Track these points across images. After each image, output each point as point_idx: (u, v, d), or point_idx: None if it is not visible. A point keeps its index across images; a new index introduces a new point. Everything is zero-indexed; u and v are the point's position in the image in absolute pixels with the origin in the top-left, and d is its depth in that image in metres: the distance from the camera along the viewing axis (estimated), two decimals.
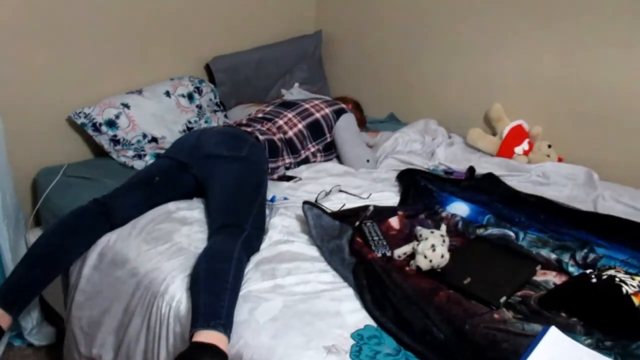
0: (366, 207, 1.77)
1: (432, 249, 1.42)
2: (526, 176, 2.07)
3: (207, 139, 1.87)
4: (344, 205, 1.79)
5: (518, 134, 2.25)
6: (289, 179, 2.03)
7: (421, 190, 1.92)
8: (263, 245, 1.56)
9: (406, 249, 1.50)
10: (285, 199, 1.86)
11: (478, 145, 2.31)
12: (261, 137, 1.96)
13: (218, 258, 1.37)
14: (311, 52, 2.82)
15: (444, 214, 1.75)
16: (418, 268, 1.43)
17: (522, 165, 2.12)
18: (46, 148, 2.00)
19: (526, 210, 1.80)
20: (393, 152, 2.28)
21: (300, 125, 2.14)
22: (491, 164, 2.17)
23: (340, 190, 1.93)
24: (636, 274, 1.35)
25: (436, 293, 1.33)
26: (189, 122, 2.27)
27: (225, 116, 2.45)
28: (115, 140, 2.06)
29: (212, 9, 2.45)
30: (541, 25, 2.15)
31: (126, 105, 2.09)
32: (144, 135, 2.11)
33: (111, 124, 2.04)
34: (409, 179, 1.99)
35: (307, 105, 2.22)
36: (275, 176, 2.03)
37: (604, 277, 1.33)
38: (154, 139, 2.12)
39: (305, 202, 1.65)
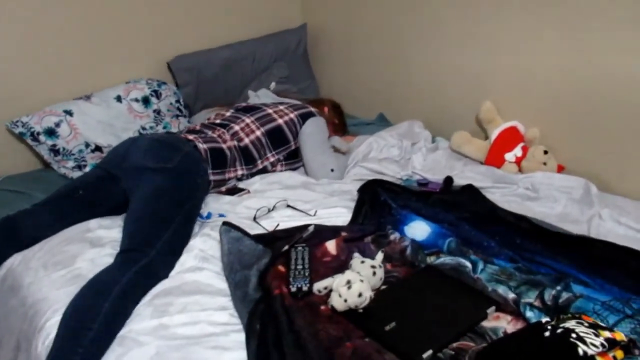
0: (305, 227, 1.55)
1: (348, 285, 1.18)
2: (513, 189, 1.77)
3: (136, 148, 1.72)
4: (277, 225, 1.58)
5: (510, 138, 1.94)
6: (238, 191, 1.84)
7: (378, 206, 1.67)
8: (172, 273, 1.38)
9: (327, 282, 1.27)
10: (221, 215, 1.67)
11: (463, 150, 2.02)
12: (203, 146, 1.78)
13: (94, 292, 1.21)
14: (293, 48, 2.61)
15: (392, 237, 1.50)
16: (333, 308, 1.20)
17: (510, 176, 1.82)
18: None
19: (501, 232, 1.52)
20: (365, 159, 2.03)
21: (258, 132, 1.94)
22: (476, 174, 1.88)
23: (288, 206, 1.72)
24: (605, 328, 1.05)
25: (342, 344, 1.10)
26: (143, 129, 2.13)
27: (189, 122, 2.29)
28: (54, 150, 1.94)
29: (179, 2, 2.30)
30: (540, 9, 1.83)
31: (69, 113, 1.97)
32: (87, 144, 1.99)
33: (50, 132, 1.93)
34: (370, 192, 1.74)
35: (269, 110, 2.02)
36: (223, 189, 1.85)
37: (560, 330, 1.05)
38: (98, 148, 1.99)
39: (224, 223, 1.45)
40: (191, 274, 1.36)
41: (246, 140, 1.93)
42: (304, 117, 2.04)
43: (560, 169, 1.88)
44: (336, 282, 1.20)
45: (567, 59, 1.80)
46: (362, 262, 1.30)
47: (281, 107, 2.05)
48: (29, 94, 1.98)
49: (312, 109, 2.08)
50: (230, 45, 2.45)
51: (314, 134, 2.03)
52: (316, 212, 1.67)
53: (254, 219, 1.64)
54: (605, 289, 1.27)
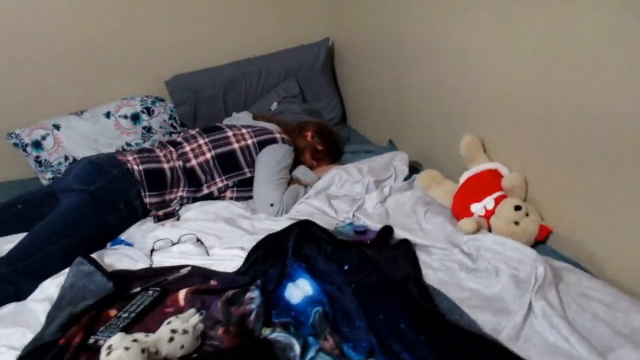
0: (178, 269, 1.43)
1: (108, 351, 1.04)
2: (454, 252, 1.39)
3: (72, 169, 1.80)
4: (151, 264, 1.48)
5: (482, 185, 1.54)
6: (169, 217, 1.78)
7: (276, 255, 1.45)
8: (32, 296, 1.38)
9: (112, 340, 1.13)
10: (128, 244, 1.63)
11: (430, 194, 1.67)
12: (138, 168, 1.77)
13: None
14: (309, 65, 2.46)
15: (247, 296, 1.29)
16: None
17: (457, 235, 1.43)
18: None
19: (391, 311, 1.21)
20: (319, 194, 1.80)
21: (208, 155, 1.87)
22: (433, 225, 1.53)
23: (198, 240, 1.61)
24: None
25: None
26: (128, 145, 2.20)
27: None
28: (39, 162, 2.12)
29: (191, 19, 2.34)
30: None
31: (57, 127, 2.14)
32: (66, 158, 2.13)
33: (37, 145, 2.11)
34: (276, 237, 1.53)
35: (229, 134, 1.92)
36: (160, 213, 1.80)
37: None
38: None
39: (80, 257, 1.40)
40: (36, 304, 1.34)
41: (193, 162, 1.86)
42: (262, 144, 1.90)
43: (545, 233, 1.43)
44: (107, 343, 1.07)
45: (579, 93, 1.34)
46: (169, 323, 1.14)
47: (243, 131, 1.94)
48: (33, 107, 2.20)
49: (277, 136, 1.92)
50: (237, 63, 2.40)
51: (266, 163, 1.87)
52: (209, 252, 1.54)
53: (152, 251, 1.57)
54: None
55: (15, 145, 2.12)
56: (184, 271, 1.43)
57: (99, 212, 1.65)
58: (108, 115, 2.20)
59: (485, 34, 1.54)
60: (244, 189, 1.89)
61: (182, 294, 1.32)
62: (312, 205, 1.74)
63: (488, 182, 1.53)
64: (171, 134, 2.31)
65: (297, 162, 2.03)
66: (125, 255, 1.55)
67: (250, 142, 1.90)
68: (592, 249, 1.34)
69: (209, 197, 1.88)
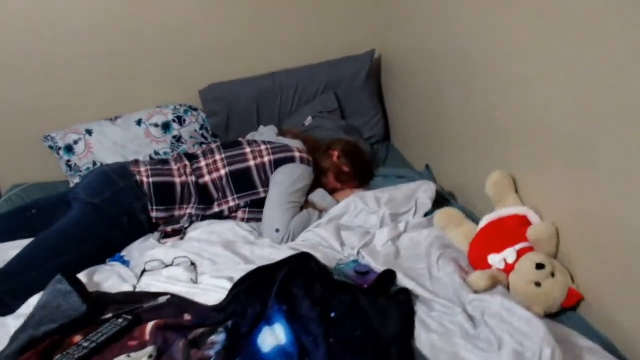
0: (156, 296, 1.36)
1: None
2: (454, 311, 1.20)
3: (86, 177, 1.79)
4: (135, 287, 1.41)
5: (504, 232, 1.32)
6: (174, 235, 1.73)
7: (260, 291, 1.33)
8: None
9: None
10: (125, 262, 1.59)
11: (447, 235, 1.46)
12: (148, 180, 1.73)
13: None
14: (350, 78, 2.31)
15: (210, 339, 1.18)
16: None
17: (462, 290, 1.23)
18: (28, 165, 2.26)
19: None
20: (331, 222, 1.66)
21: (222, 172, 1.79)
22: (444, 274, 1.34)
23: (192, 264, 1.53)
24: None
25: None
26: (156, 153, 2.18)
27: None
28: (69, 166, 2.15)
29: (231, 26, 2.28)
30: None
31: (89, 132, 2.16)
32: (94, 163, 2.14)
33: (69, 149, 2.14)
34: (274, 269, 1.41)
35: (247, 150, 1.84)
36: (169, 229, 1.75)
37: None
38: None
39: (60, 274, 1.36)
40: (13, 321, 1.32)
41: (207, 178, 1.79)
42: (278, 163, 1.79)
43: (574, 299, 1.19)
44: None
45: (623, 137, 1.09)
46: None
47: (262, 148, 1.84)
48: (70, 111, 2.23)
49: (296, 154, 1.80)
50: (273, 74, 2.30)
51: (279, 183, 1.76)
52: (198, 279, 1.45)
53: (143, 271, 1.51)
54: None
55: (51, 147, 2.18)
56: (162, 299, 1.35)
57: (100, 227, 1.63)
58: (139, 122, 2.20)
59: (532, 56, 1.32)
60: (257, 209, 1.79)
61: (149, 327, 1.25)
62: (319, 235, 1.60)
63: (512, 230, 1.31)
64: (201, 144, 2.26)
65: (318, 183, 1.90)
66: (116, 274, 1.51)
67: (266, 159, 1.80)
68: (629, 326, 1.09)
69: (219, 215, 1.80)
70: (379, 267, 1.41)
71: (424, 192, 1.67)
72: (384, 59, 2.42)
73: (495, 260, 1.29)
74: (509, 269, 1.27)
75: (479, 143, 1.62)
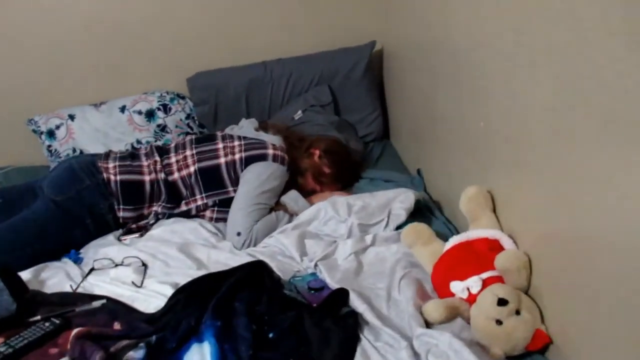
0: (93, 298, 1.28)
1: None
2: (399, 345, 1.06)
3: (53, 170, 1.73)
4: (77, 288, 1.34)
5: (471, 257, 1.16)
6: (134, 232, 1.65)
7: (199, 302, 1.23)
8: None
9: None
10: (77, 260, 1.51)
11: (413, 252, 1.31)
12: (115, 178, 1.65)
13: None
14: (347, 70, 2.16)
15: (130, 354, 1.09)
16: None
17: (413, 321, 1.09)
18: (13, 148, 2.22)
19: None
20: (297, 227, 1.54)
21: (192, 168, 1.70)
22: (403, 296, 1.20)
23: (144, 265, 1.44)
24: None
25: None
26: (139, 142, 2.10)
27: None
28: (49, 151, 2.10)
29: (223, 12, 2.17)
30: None
31: (72, 117, 2.10)
32: (74, 150, 2.08)
33: (50, 133, 2.09)
34: (222, 277, 1.31)
35: (219, 145, 1.74)
36: (134, 226, 1.67)
37: None
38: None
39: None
40: None
41: (176, 175, 1.70)
42: (249, 161, 1.68)
43: (540, 342, 1.03)
44: None
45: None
46: None
47: (235, 144, 1.73)
48: (55, 94, 2.18)
49: (269, 152, 1.69)
50: (264, 63, 2.18)
51: (247, 183, 1.66)
52: (143, 283, 1.36)
53: (91, 269, 1.44)
54: None
55: (34, 131, 2.14)
56: (96, 304, 1.27)
57: (62, 225, 1.57)
58: (123, 109, 2.12)
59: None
60: (226, 209, 1.68)
61: (73, 334, 1.17)
62: (281, 241, 1.48)
63: (480, 255, 1.16)
64: (186, 134, 2.17)
65: (295, 183, 1.78)
66: (63, 272, 1.44)
67: (237, 156, 1.69)
68: None
69: (187, 214, 1.71)
70: (333, 284, 1.28)
71: (401, 202, 1.52)
72: (386, 51, 2.26)
73: (458, 288, 1.14)
74: (472, 299, 1.12)
75: (464, 152, 1.46)
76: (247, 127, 1.88)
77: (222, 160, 1.70)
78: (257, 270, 1.35)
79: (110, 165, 1.69)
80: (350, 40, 2.23)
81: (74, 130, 2.09)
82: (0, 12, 2.06)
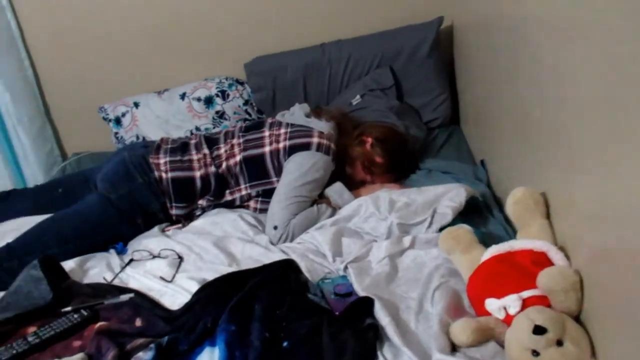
0: (122, 292, 1.29)
1: None
2: None
3: (108, 161, 1.76)
4: (113, 279, 1.36)
5: (511, 271, 0.99)
6: (176, 223, 1.66)
7: (219, 302, 1.19)
8: None
9: None
10: (121, 251, 1.54)
11: (452, 259, 1.16)
12: (166, 175, 1.64)
13: None
14: (411, 50, 1.99)
15: (139, 355, 1.07)
16: None
17: (438, 341, 0.95)
18: (89, 134, 2.33)
19: None
20: (335, 224, 1.44)
21: (237, 157, 1.67)
22: (436, 308, 1.07)
23: (180, 258, 1.44)
24: None
25: None
26: (197, 129, 2.11)
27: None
28: (117, 138, 2.17)
29: None
30: None
31: (136, 104, 2.15)
32: (137, 137, 2.13)
33: (117, 121, 2.16)
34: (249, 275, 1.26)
35: (266, 133, 1.69)
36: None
37: None
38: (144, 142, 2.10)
39: (39, 259, 1.34)
40: None
41: (224, 166, 1.67)
42: (293, 150, 1.61)
43: None
44: None
45: None
46: None
47: (281, 131, 1.66)
48: (124, 82, 2.24)
49: (314, 140, 1.60)
50: (322, 46, 2.07)
51: (288, 173, 1.59)
52: (174, 278, 1.34)
53: (130, 260, 1.45)
54: None
55: (104, 119, 2.23)
56: (123, 297, 1.28)
57: (113, 223, 1.59)
58: (183, 96, 2.14)
59: None
60: (269, 200, 1.62)
61: (95, 329, 1.18)
62: (315, 238, 1.40)
63: (522, 269, 0.99)
64: (244, 120, 2.14)
65: (343, 174, 1.67)
66: (106, 262, 1.47)
67: (282, 145, 1.62)
68: None
69: (231, 204, 1.67)
70: (360, 291, 1.18)
71: (450, 199, 1.36)
72: (456, 28, 2.05)
73: (494, 306, 0.98)
74: (510, 320, 0.96)
75: (523, 145, 1.26)
76: (297, 113, 1.79)
77: (267, 149, 1.64)
78: (284, 271, 1.29)
79: (162, 161, 1.67)
80: (415, 17, 2.05)
81: (137, 117, 2.15)
82: (72, 11, 2.16)
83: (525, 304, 0.95)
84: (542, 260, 0.98)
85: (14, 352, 1.13)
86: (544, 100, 1.13)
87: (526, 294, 0.96)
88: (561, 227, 1.04)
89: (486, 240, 1.26)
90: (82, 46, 2.23)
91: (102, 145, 2.31)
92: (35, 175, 2.27)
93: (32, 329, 1.21)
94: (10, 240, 1.55)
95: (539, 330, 0.87)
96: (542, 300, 0.95)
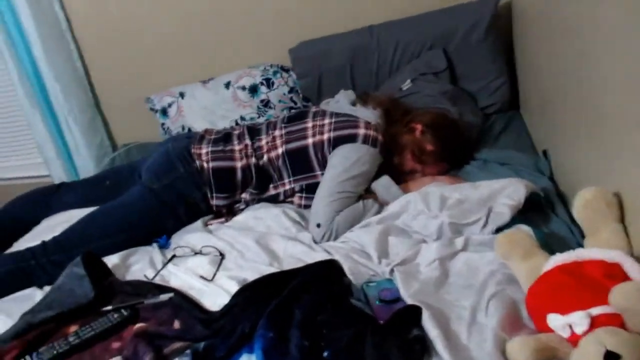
0: (162, 291, 1.27)
1: None
2: None
3: (153, 152, 1.75)
4: (154, 277, 1.34)
5: (579, 284, 0.87)
6: (219, 217, 1.62)
7: (258, 305, 1.14)
8: None
9: None
10: (163, 245, 1.52)
11: (510, 265, 1.05)
12: (208, 165, 1.61)
13: None
14: (466, 30, 1.85)
15: None
16: None
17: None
18: (138, 125, 2.35)
19: None
20: (382, 222, 1.35)
21: (280, 150, 1.61)
22: (489, 319, 0.97)
23: (221, 255, 1.40)
24: None
25: None
26: (242, 118, 2.06)
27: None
28: (164, 128, 2.16)
29: None
30: None
31: (182, 95, 2.13)
32: (183, 127, 2.11)
33: (164, 111, 2.15)
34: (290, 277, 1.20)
35: (309, 124, 1.61)
36: (224, 210, 1.64)
37: None
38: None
39: (81, 256, 1.34)
40: (42, 294, 1.36)
41: (265, 158, 1.61)
42: (338, 142, 1.53)
43: None
44: None
45: None
46: None
47: (325, 122, 1.58)
48: (169, 73, 2.24)
49: (360, 131, 1.51)
50: (370, 28, 1.96)
51: (333, 168, 1.51)
52: (215, 276, 1.30)
53: (172, 257, 1.43)
54: None
55: (151, 109, 2.22)
56: (163, 297, 1.25)
57: (156, 214, 1.57)
58: (228, 85, 2.09)
59: None
60: (314, 195, 1.55)
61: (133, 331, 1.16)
62: (360, 237, 1.32)
63: (592, 283, 0.87)
64: (290, 109, 2.07)
65: (389, 165, 1.58)
66: (148, 257, 1.45)
67: (326, 136, 1.54)
68: None
69: (275, 198, 1.62)
70: (407, 298, 1.09)
71: (507, 196, 1.24)
72: (515, 6, 1.88)
73: (558, 323, 0.87)
74: (576, 339, 0.85)
75: (600, 136, 1.12)
76: (342, 101, 1.70)
77: (310, 140, 1.57)
78: (327, 272, 1.22)
79: (203, 151, 1.64)
80: None
81: (183, 108, 2.13)
82: (118, 2, 2.17)
83: (595, 322, 0.84)
84: (615, 273, 0.86)
85: (55, 352, 1.12)
86: (617, 84, 0.99)
87: (595, 311, 0.84)
88: (638, 234, 0.91)
89: (549, 242, 1.15)
90: (129, 36, 2.24)
91: (151, 137, 2.32)
92: (86, 167, 2.31)
93: (73, 328, 1.21)
94: (58, 233, 1.57)
95: (611, 356, 0.76)
96: (614, 319, 0.83)
